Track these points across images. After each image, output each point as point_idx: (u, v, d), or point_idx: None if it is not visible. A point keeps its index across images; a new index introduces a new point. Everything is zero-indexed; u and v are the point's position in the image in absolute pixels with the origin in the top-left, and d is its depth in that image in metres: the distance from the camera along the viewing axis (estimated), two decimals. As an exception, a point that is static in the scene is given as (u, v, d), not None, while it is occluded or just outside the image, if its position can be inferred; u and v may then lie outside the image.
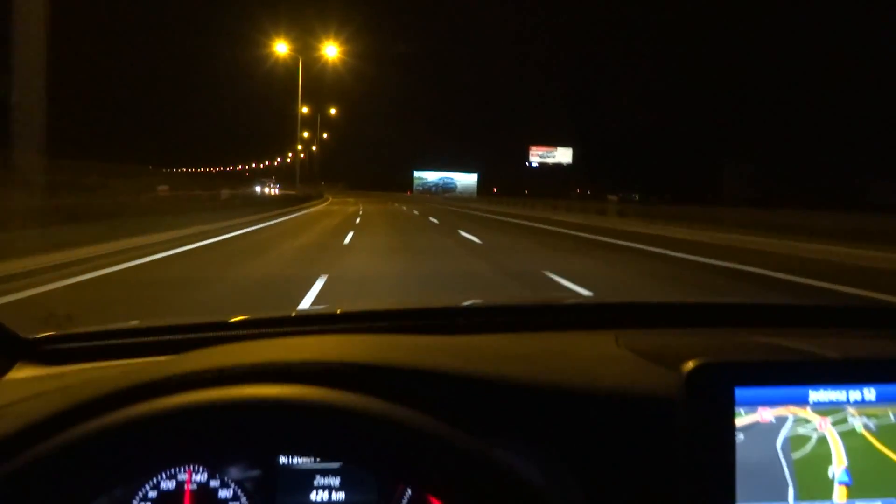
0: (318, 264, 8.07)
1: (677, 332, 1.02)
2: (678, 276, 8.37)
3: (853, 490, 0.67)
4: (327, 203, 35.51)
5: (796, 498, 0.65)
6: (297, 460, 0.76)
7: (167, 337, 1.00)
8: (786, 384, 0.67)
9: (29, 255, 7.20)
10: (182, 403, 0.58)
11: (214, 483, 0.75)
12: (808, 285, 7.53)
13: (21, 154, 9.69)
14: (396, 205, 38.82)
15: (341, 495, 0.77)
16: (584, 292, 6.29)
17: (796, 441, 0.67)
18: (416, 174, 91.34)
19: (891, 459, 0.68)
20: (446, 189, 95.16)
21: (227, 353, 0.73)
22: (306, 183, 77.17)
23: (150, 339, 1.00)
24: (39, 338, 0.98)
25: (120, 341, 1.01)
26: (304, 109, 44.85)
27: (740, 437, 0.65)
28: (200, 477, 0.76)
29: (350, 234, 13.36)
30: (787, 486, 0.65)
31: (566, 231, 15.88)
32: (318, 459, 0.75)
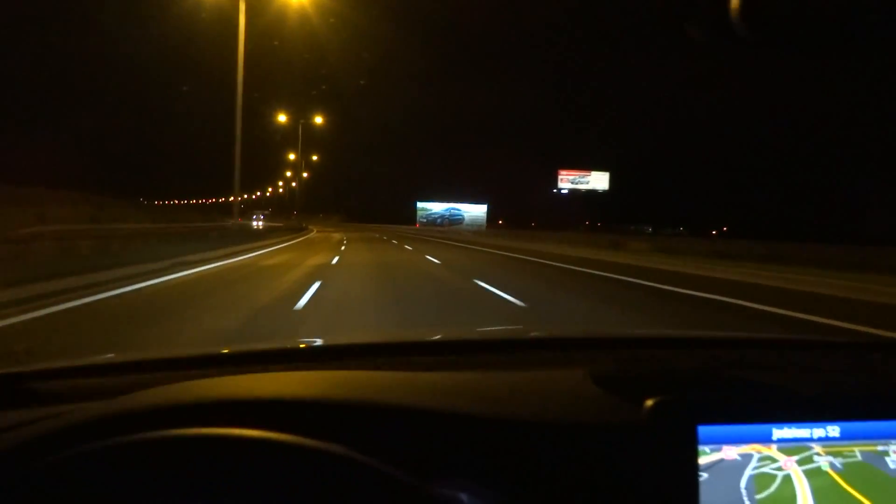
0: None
1: (644, 364, 1.04)
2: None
3: None
4: (301, 238, 32.26)
5: None
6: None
7: (132, 374, 1.04)
8: (749, 422, 0.69)
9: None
10: (131, 441, 0.61)
11: None
12: None
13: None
14: (385, 238, 36.04)
15: None
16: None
17: (761, 480, 0.69)
18: (420, 205, 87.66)
19: (857, 498, 0.71)
20: (453, 221, 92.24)
21: (186, 391, 0.77)
22: (285, 216, 76.25)
23: (117, 376, 1.04)
24: (18, 372, 1.01)
25: (84, 377, 1.04)
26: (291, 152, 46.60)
27: (704, 475, 0.67)
28: None
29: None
30: None
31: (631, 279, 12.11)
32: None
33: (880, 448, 0.71)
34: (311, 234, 39.47)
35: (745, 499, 0.68)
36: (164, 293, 7.57)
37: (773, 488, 0.69)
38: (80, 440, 0.59)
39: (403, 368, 0.94)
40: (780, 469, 0.70)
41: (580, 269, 13.59)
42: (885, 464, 0.71)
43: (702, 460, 0.67)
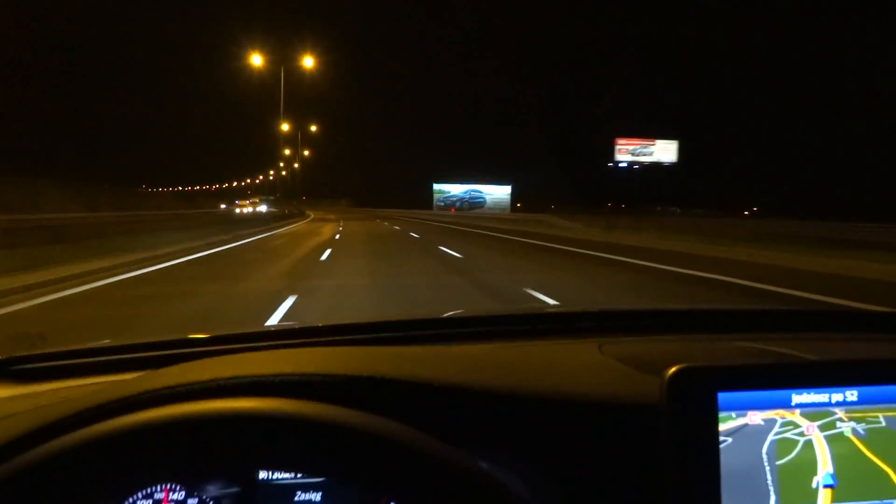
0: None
1: (659, 338, 1.07)
2: None
3: (838, 492, 0.72)
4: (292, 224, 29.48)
5: (778, 502, 0.70)
6: (278, 476, 0.80)
7: (139, 354, 1.05)
8: (768, 388, 0.72)
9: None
10: (155, 418, 0.61)
11: (192, 502, 0.79)
12: None
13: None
14: (386, 224, 33.25)
15: None
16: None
17: (782, 446, 0.72)
18: (437, 187, 76.46)
19: (877, 464, 0.73)
20: (474, 204, 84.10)
21: (202, 368, 0.77)
22: (287, 201, 70.47)
23: (123, 356, 1.06)
24: (11, 357, 1.03)
25: (93, 360, 1.06)
26: (285, 126, 42.58)
27: (727, 441, 0.71)
28: (178, 496, 0.79)
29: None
30: (769, 493, 0.71)
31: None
32: (298, 475, 0.79)
33: None
34: (292, 225, 31.82)
35: (766, 464, 0.72)
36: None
37: (793, 454, 0.72)
38: (106, 417, 0.62)
39: (420, 343, 0.98)
40: (801, 434, 0.73)
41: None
42: None
43: (725, 426, 0.71)
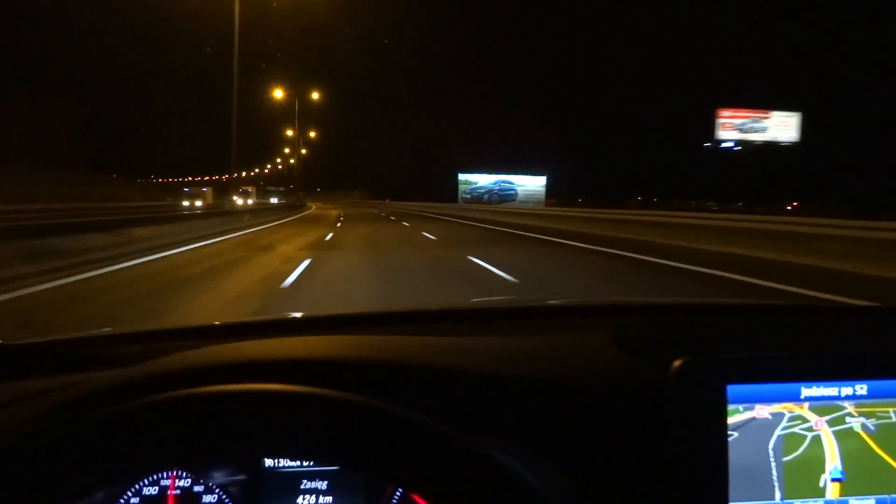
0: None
1: (668, 330, 1.10)
2: None
3: (846, 486, 0.74)
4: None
5: (783, 498, 0.73)
6: (284, 463, 0.84)
7: (146, 343, 1.10)
8: (777, 380, 0.74)
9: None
10: (162, 400, 0.62)
11: (198, 488, 0.83)
12: None
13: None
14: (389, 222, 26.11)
15: (328, 499, 0.84)
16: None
17: (789, 441, 0.75)
18: (462, 177, 68.55)
19: (886, 460, 0.75)
20: (503, 197, 75.48)
21: (209, 353, 0.79)
22: (292, 192, 67.65)
23: (130, 346, 1.10)
24: (13, 344, 1.06)
25: (98, 348, 1.11)
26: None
27: (734, 434, 0.73)
28: (184, 482, 0.83)
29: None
30: (774, 490, 0.73)
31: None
32: (306, 462, 0.83)
33: None
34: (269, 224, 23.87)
35: (772, 460, 0.74)
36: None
37: (800, 450, 0.74)
38: (113, 401, 0.63)
39: (430, 334, 1.02)
40: (810, 429, 0.75)
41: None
42: None
43: (733, 419, 0.73)
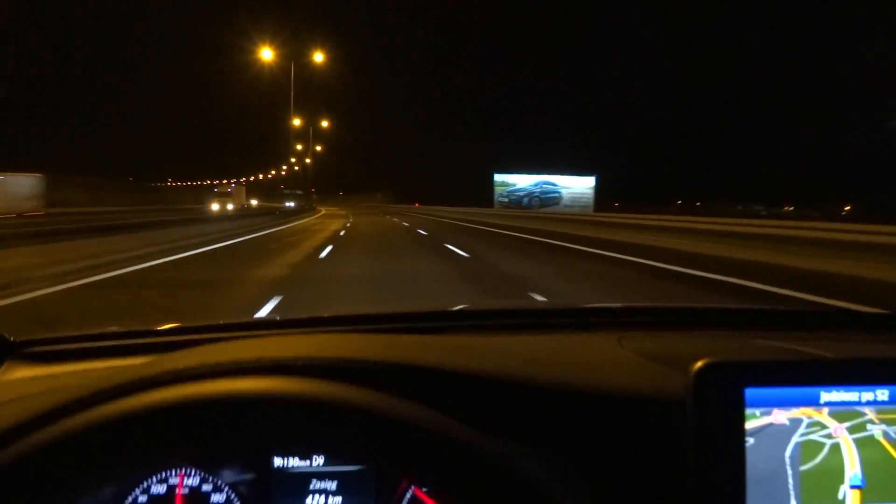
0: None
1: (678, 335, 1.08)
2: None
3: (867, 493, 0.74)
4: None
5: None
6: (293, 463, 0.86)
7: (156, 339, 1.12)
8: (796, 384, 0.75)
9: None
10: (172, 398, 0.63)
11: (207, 487, 0.85)
12: None
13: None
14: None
15: (338, 499, 0.86)
16: None
17: (807, 449, 0.76)
18: (499, 178, 62.98)
19: None
20: (545, 200, 65.68)
21: (219, 351, 0.81)
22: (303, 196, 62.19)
23: (140, 340, 1.13)
24: (27, 340, 1.10)
25: (109, 343, 1.13)
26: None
27: (750, 441, 0.74)
28: (192, 481, 0.85)
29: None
30: (789, 498, 0.74)
31: None
32: (315, 462, 0.84)
33: None
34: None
35: (788, 468, 0.74)
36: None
37: (818, 459, 0.74)
38: (122, 396, 0.65)
39: (440, 333, 1.03)
40: (829, 437, 0.75)
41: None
42: None
43: (749, 424, 0.73)
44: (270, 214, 32.85)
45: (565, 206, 66.46)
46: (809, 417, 0.73)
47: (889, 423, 0.74)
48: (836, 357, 0.80)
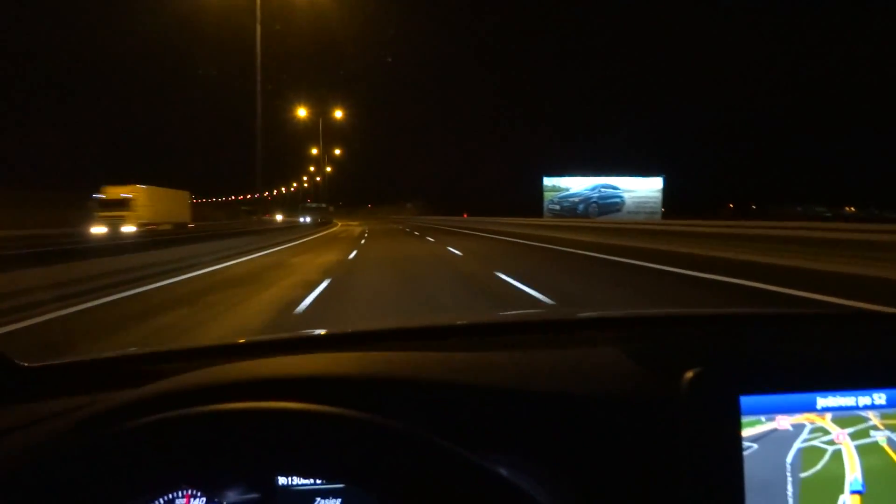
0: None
1: (678, 341, 1.09)
2: None
3: (866, 499, 0.75)
4: None
5: None
6: (297, 481, 0.88)
7: (162, 364, 1.16)
8: (791, 390, 0.76)
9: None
10: (177, 417, 0.65)
11: None
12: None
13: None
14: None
15: None
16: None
17: (808, 456, 0.77)
18: (549, 182, 50.04)
19: None
20: (605, 206, 55.87)
21: (224, 372, 0.85)
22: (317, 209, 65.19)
23: (146, 364, 1.18)
24: (35, 365, 1.13)
25: (115, 367, 1.18)
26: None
27: (753, 447, 0.75)
28: (198, 502, 0.87)
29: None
30: (787, 498, 0.76)
31: None
32: (318, 480, 0.86)
33: None
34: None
35: (788, 475, 0.75)
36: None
37: (819, 466, 0.75)
38: (126, 419, 0.67)
39: (438, 349, 1.06)
40: (831, 443, 0.76)
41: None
42: None
43: (753, 430, 0.75)
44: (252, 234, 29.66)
45: (628, 212, 57.83)
46: (812, 423, 0.74)
47: (893, 428, 0.75)
48: (829, 362, 0.81)
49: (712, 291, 9.02)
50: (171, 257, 13.93)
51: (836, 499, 0.72)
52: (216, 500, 0.81)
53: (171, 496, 0.81)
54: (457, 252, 17.31)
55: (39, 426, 0.75)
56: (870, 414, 0.74)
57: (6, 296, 7.24)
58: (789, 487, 0.72)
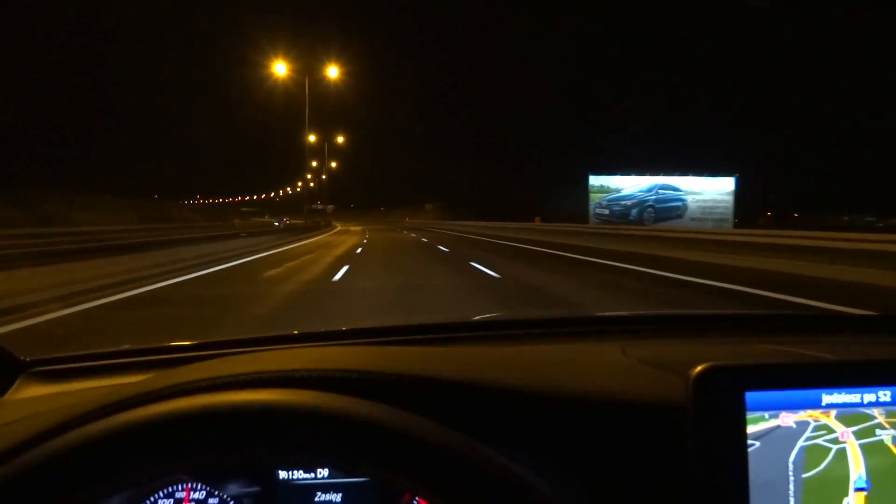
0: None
1: (681, 341, 1.11)
2: None
3: (871, 497, 0.77)
4: None
5: None
6: (298, 475, 0.90)
7: (164, 356, 1.20)
8: (796, 387, 0.78)
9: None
10: (177, 409, 0.67)
11: (213, 501, 0.89)
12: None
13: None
14: None
15: None
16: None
17: (812, 454, 0.79)
18: (595, 181, 41.15)
19: None
20: (663, 211, 46.08)
21: (224, 364, 0.87)
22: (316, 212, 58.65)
23: (146, 358, 1.21)
24: (39, 359, 1.19)
25: (117, 361, 1.21)
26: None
27: (755, 444, 0.78)
28: (199, 495, 0.88)
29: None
30: (788, 499, 0.80)
31: None
32: (319, 474, 0.88)
33: None
34: None
35: (791, 475, 0.76)
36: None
37: (823, 465, 0.77)
38: (128, 410, 0.69)
39: (446, 345, 1.10)
40: (835, 441, 0.78)
41: None
42: None
43: (757, 427, 0.77)
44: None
45: (691, 219, 48.54)
46: (817, 420, 0.76)
47: None
48: (835, 359, 0.84)
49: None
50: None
51: (840, 498, 0.73)
52: (216, 492, 0.82)
53: (171, 489, 0.83)
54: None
55: (40, 418, 0.72)
56: (875, 411, 0.75)
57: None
58: (792, 486, 0.72)
